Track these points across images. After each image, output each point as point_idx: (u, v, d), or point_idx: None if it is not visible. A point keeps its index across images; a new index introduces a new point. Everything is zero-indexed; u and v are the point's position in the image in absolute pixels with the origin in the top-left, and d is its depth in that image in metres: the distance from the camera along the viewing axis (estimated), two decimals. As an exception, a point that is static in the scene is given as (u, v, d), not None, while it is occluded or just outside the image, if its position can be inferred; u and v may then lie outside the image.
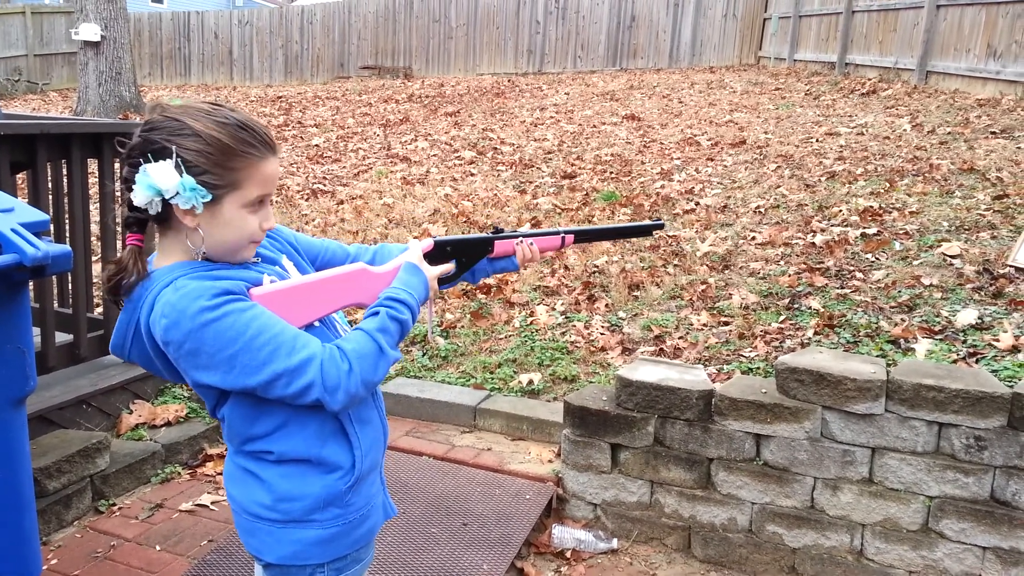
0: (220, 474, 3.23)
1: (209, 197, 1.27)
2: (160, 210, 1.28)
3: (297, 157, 8.79)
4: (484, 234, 1.68)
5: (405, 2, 16.74)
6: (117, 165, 3.39)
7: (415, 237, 5.46)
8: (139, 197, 1.26)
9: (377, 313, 1.39)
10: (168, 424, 3.38)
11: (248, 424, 1.36)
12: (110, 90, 12.31)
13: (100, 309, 3.83)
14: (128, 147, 1.30)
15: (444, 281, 1.64)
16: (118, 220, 1.44)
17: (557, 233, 1.70)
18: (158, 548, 2.70)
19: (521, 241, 1.69)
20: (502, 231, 1.70)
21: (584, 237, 1.81)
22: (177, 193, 1.25)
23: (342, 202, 6.67)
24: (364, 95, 13.55)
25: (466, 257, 1.65)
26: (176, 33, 18.84)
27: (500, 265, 1.74)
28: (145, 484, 3.12)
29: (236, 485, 1.43)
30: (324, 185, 7.42)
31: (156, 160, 1.25)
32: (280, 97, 13.85)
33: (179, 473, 3.21)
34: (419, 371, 3.91)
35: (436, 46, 16.56)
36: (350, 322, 1.56)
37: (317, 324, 1.42)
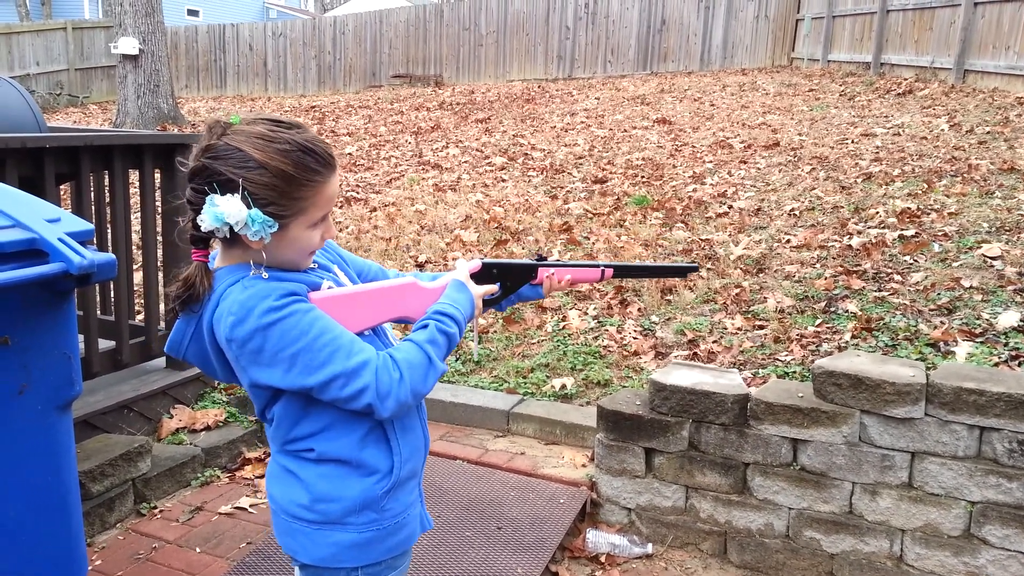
0: (258, 477, 3.28)
1: (276, 227, 1.30)
2: (228, 235, 1.30)
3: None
4: (529, 260, 1.72)
5: (435, 11, 16.88)
6: (157, 175, 3.47)
7: (447, 243, 5.51)
8: (207, 223, 1.27)
9: (427, 326, 1.42)
10: (208, 428, 3.44)
11: (295, 424, 1.39)
12: (148, 102, 12.58)
13: (141, 316, 3.92)
14: (190, 171, 1.31)
15: (487, 303, 1.68)
16: (174, 235, 1.48)
17: (597, 266, 1.74)
18: (198, 550, 2.74)
19: (552, 273, 1.72)
20: (545, 258, 1.73)
21: (622, 273, 1.84)
22: (246, 225, 1.27)
23: (375, 209, 6.74)
24: (396, 103, 13.67)
25: (511, 281, 1.70)
26: (212, 46, 19.20)
27: (526, 294, 1.77)
28: (185, 487, 3.18)
29: (277, 484, 1.46)
30: (357, 193, 7.50)
31: (222, 191, 1.27)
32: (314, 107, 14.04)
33: (218, 476, 3.26)
34: (452, 376, 3.93)
35: (466, 54, 16.66)
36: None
37: (368, 332, 1.45)
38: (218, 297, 1.32)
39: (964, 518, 2.49)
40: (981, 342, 3.14)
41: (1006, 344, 3.11)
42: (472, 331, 1.72)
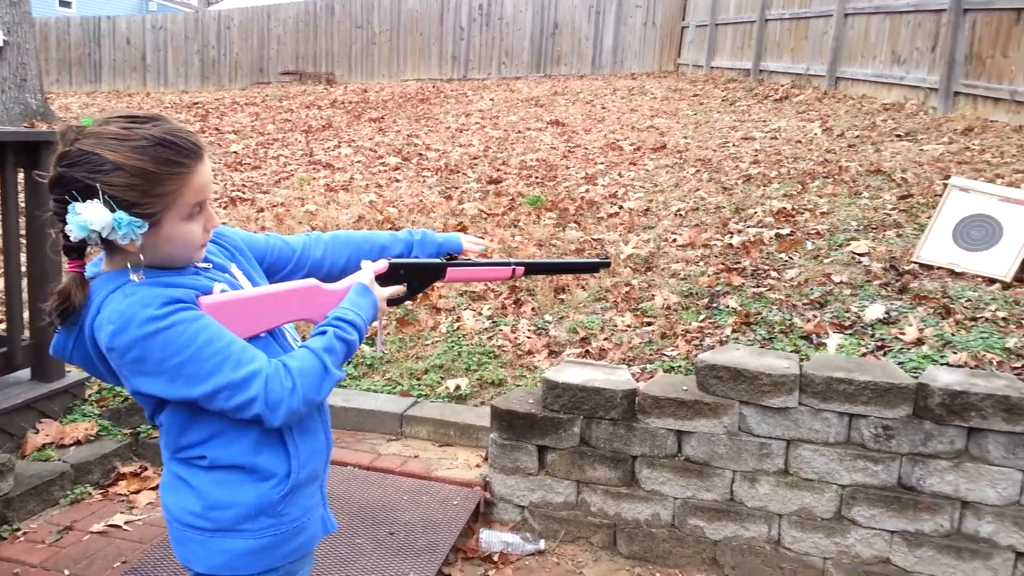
0: (134, 493, 3.11)
1: (146, 226, 1.25)
2: (100, 241, 1.25)
3: (215, 164, 8.55)
4: (438, 260, 1.69)
5: (326, 7, 16.52)
6: (21, 174, 3.23)
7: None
8: (74, 233, 1.22)
9: (325, 332, 1.39)
10: (78, 443, 3.23)
11: (185, 430, 1.35)
12: (14, 97, 11.73)
13: (2, 326, 3.64)
14: (49, 181, 1.25)
15: (393, 303, 1.64)
16: (47, 247, 1.41)
17: (508, 264, 1.72)
18: (67, 573, 2.57)
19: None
20: (455, 257, 1.71)
21: (533, 269, 1.83)
22: (113, 229, 1.22)
23: (262, 209, 6.52)
24: (285, 101, 13.29)
25: (418, 281, 1.66)
26: (86, 38, 18.11)
27: None
28: (53, 506, 2.97)
29: (169, 493, 1.41)
30: (243, 192, 7.24)
31: (83, 198, 1.22)
32: (196, 103, 13.46)
33: (90, 493, 3.07)
34: (344, 380, 3.84)
35: (359, 51, 16.39)
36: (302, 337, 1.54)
37: (264, 335, 1.41)
38: (98, 305, 1.26)
39: (835, 501, 2.64)
40: (850, 334, 3.34)
41: (872, 335, 3.31)
42: (376, 335, 1.67)
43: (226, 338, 1.28)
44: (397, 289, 1.61)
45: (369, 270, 1.58)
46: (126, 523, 2.87)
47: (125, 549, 2.71)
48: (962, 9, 7.13)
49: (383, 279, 1.60)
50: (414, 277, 1.65)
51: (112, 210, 1.22)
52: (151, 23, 17.99)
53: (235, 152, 9.20)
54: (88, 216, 1.21)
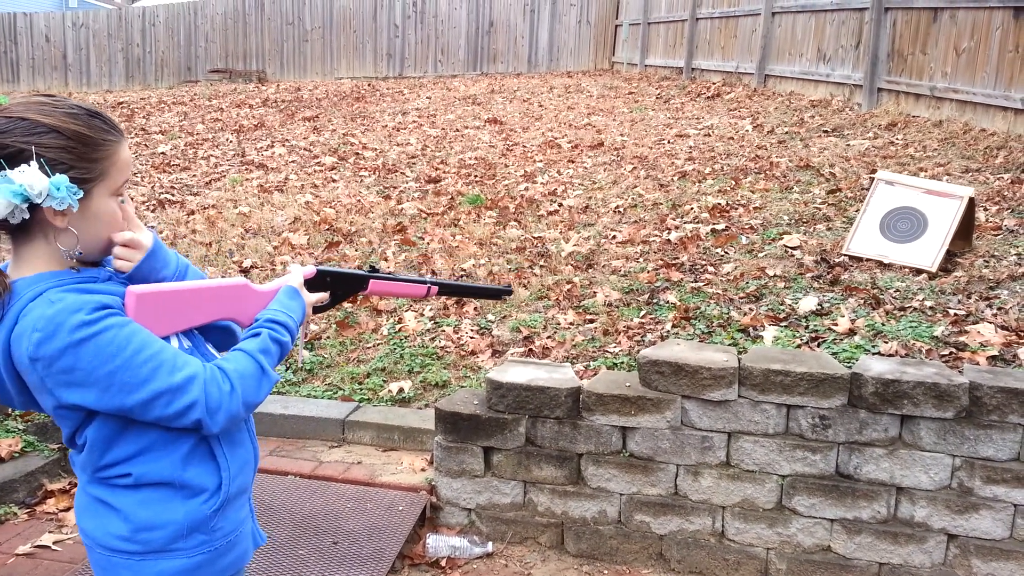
0: (63, 511, 2.97)
1: (81, 193, 1.21)
2: (26, 216, 1.19)
3: (141, 166, 8.26)
4: (362, 271, 1.72)
5: (256, 3, 16.14)
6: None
7: (275, 247, 5.26)
8: (2, 207, 1.16)
9: (258, 334, 1.36)
10: (0, 461, 3.07)
11: (110, 447, 1.28)
12: (-79, 96, 11.10)
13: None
14: None
15: (316, 311, 1.65)
16: None
17: (424, 283, 1.79)
18: (-10, 601, 2.44)
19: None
20: (378, 270, 1.74)
21: (447, 291, 1.94)
22: (49, 195, 1.17)
23: (193, 212, 6.33)
24: (215, 100, 12.94)
25: (341, 290, 1.68)
26: (1, 36, 17.28)
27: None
28: (-27, 530, 2.81)
29: (89, 518, 1.33)
30: (172, 195, 7.02)
31: (12, 166, 1.17)
32: (121, 103, 13.00)
33: (15, 513, 2.92)
34: (283, 386, 3.76)
35: (291, 49, 16.07)
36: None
37: (188, 346, 1.37)
38: (17, 313, 1.19)
39: (776, 491, 2.69)
40: (785, 326, 3.41)
41: (806, 327, 3.39)
42: (301, 340, 1.65)
43: (158, 344, 1.24)
44: (322, 296, 1.62)
45: (299, 273, 1.56)
46: (55, 543, 2.74)
47: (55, 571, 2.58)
48: (883, 8, 7.39)
49: (309, 285, 1.59)
50: (339, 286, 1.67)
51: (48, 175, 1.18)
52: (71, 20, 17.29)
53: (163, 153, 8.91)
54: (24, 180, 1.16)
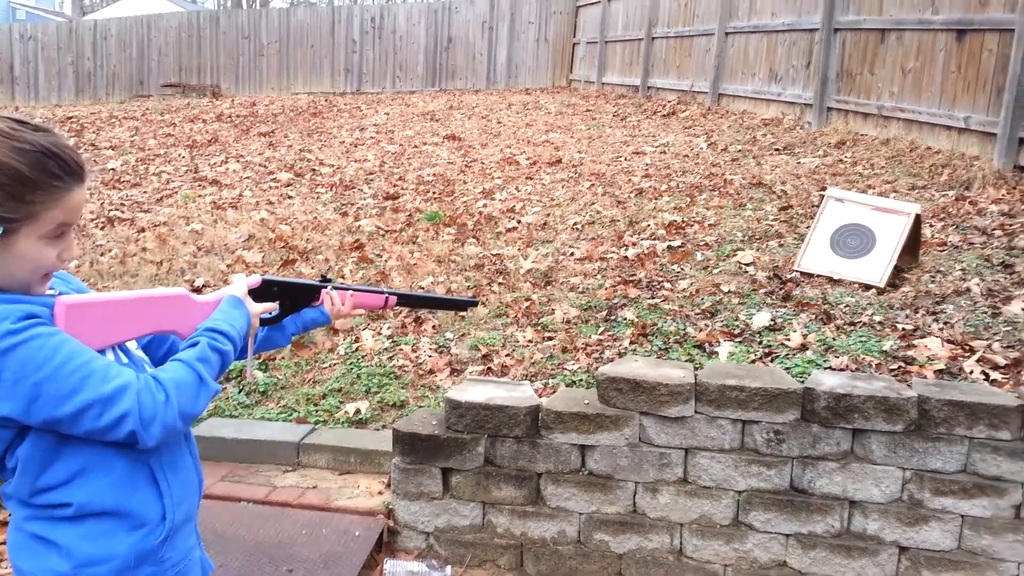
0: (2, 543, 2.85)
1: (1, 231, 1.15)
2: None
3: (91, 182, 8.07)
4: (312, 281, 1.66)
5: (211, 17, 16.00)
6: None
7: (228, 265, 5.17)
8: None
9: (196, 343, 1.31)
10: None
11: (45, 469, 1.22)
12: None
13: None
14: None
15: (265, 322, 1.59)
16: None
17: (381, 292, 1.72)
18: (-78, 640, 2.32)
19: (330, 291, 1.66)
20: (330, 280, 1.68)
21: (406, 302, 1.86)
22: None
23: (143, 229, 6.19)
24: (167, 114, 12.73)
25: (291, 301, 1.62)
26: (-57, 47, 16.81)
27: (310, 317, 1.68)
28: (-95, 566, 2.69)
29: (25, 557, 1.27)
30: (122, 212, 6.86)
31: None
32: (70, 118, 12.71)
33: (-50, 548, 2.80)
34: (235, 409, 3.68)
35: (246, 64, 15.91)
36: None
37: (126, 361, 1.33)
38: None
39: (733, 507, 2.71)
40: (740, 341, 3.45)
41: (760, 342, 3.44)
42: (250, 350, 1.61)
43: (88, 354, 1.20)
44: (270, 306, 1.56)
45: (243, 283, 1.51)
46: (-7, 578, 2.63)
47: (-9, 607, 2.48)
48: (833, 29, 7.59)
49: (255, 295, 1.53)
50: (288, 296, 1.61)
51: None
52: (19, 32, 16.90)
53: (112, 169, 8.72)
54: None
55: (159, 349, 1.51)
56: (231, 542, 2.75)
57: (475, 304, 1.91)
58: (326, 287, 1.65)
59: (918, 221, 4.00)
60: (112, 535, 1.26)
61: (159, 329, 1.38)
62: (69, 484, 1.24)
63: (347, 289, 1.68)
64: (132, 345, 1.42)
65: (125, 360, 1.35)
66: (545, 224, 5.69)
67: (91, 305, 1.28)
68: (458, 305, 1.99)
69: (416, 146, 9.23)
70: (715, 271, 4.33)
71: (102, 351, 1.28)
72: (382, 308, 1.74)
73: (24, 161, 1.16)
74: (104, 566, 1.26)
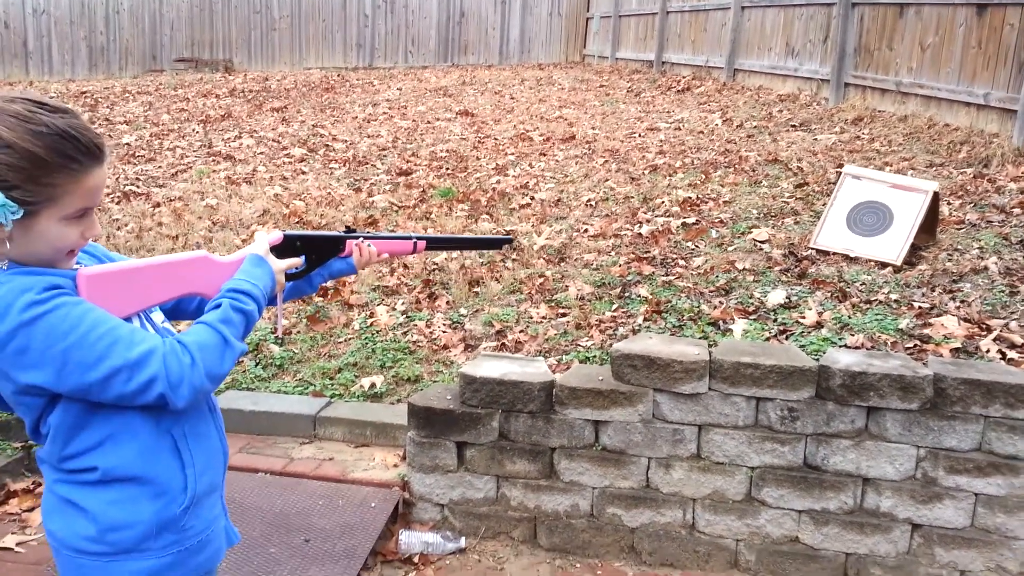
0: (27, 511, 2.91)
1: (20, 213, 1.17)
2: None
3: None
4: (337, 232, 1.64)
5: (223, -9, 15.88)
6: None
7: (243, 240, 5.19)
8: None
9: (219, 305, 1.33)
10: (-40, 462, 3.00)
11: (74, 435, 1.26)
12: None
13: None
14: None
15: (291, 277, 1.59)
16: None
17: (409, 238, 1.69)
18: (-49, 604, 2.39)
19: (361, 241, 1.65)
20: (354, 231, 1.67)
21: (436, 244, 1.81)
22: None
23: (159, 204, 6.22)
24: (180, 89, 12.72)
25: (316, 254, 1.61)
26: (-44, 21, 16.80)
27: (337, 267, 1.69)
28: (-67, 532, 2.75)
29: (55, 518, 1.31)
30: (137, 187, 6.89)
31: None
32: (84, 92, 12.72)
33: (-25, 515, 2.86)
34: (252, 382, 3.71)
35: (259, 38, 15.85)
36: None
37: (151, 331, 1.35)
38: None
39: (746, 483, 2.72)
40: (754, 319, 3.45)
41: (775, 320, 3.43)
42: (279, 307, 1.61)
43: (113, 320, 1.22)
44: (294, 261, 1.56)
45: (264, 240, 1.52)
46: (18, 544, 2.69)
47: (18, 574, 2.54)
48: (851, 3, 7.48)
49: (277, 252, 1.54)
50: (312, 250, 1.60)
51: None
52: (32, 7, 16.83)
53: (127, 144, 8.75)
54: None
55: (186, 312, 1.53)
56: (249, 511, 2.79)
57: (510, 242, 1.86)
58: (350, 237, 1.64)
59: (936, 199, 3.96)
60: (136, 501, 1.30)
61: (183, 292, 1.39)
62: (95, 450, 1.27)
63: (371, 237, 1.67)
64: (158, 318, 1.45)
65: (151, 331, 1.36)
66: (559, 200, 5.67)
67: (112, 274, 1.30)
68: (492, 244, 1.91)
69: (429, 122, 9.20)
70: (730, 248, 4.32)
71: (128, 318, 1.30)
72: (412, 253, 1.73)
73: (41, 144, 1.17)
74: (128, 531, 1.29)
